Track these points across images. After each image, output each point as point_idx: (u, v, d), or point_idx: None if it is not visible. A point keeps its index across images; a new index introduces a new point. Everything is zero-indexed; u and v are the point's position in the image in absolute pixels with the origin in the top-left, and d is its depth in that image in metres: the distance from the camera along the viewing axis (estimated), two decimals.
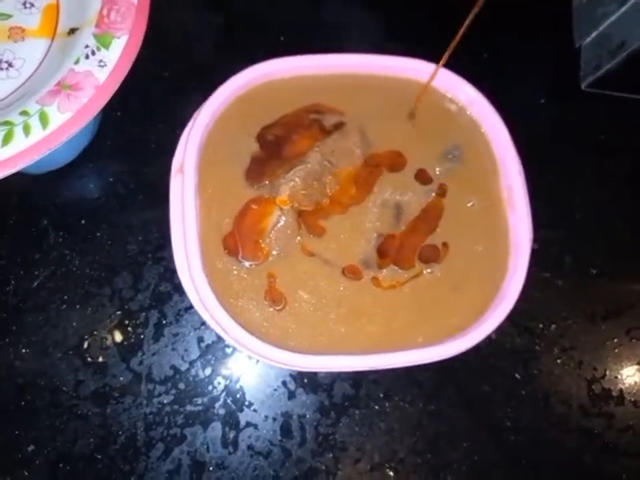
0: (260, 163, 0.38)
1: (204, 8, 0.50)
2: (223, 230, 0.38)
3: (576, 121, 0.52)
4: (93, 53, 0.36)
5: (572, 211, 0.50)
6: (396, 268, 0.39)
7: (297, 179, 0.38)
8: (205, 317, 0.37)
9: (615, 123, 0.52)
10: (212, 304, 0.35)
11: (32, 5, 0.41)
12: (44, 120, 0.34)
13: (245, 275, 0.38)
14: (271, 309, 0.37)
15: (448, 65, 0.46)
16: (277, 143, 0.39)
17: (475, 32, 0.50)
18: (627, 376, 0.48)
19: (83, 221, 0.45)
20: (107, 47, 0.36)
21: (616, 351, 0.48)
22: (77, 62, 0.36)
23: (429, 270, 0.39)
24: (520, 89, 0.52)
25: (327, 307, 0.38)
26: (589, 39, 0.50)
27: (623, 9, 0.46)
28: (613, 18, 0.47)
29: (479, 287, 0.39)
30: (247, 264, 0.38)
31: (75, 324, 0.44)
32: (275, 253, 0.38)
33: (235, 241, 0.37)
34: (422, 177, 0.41)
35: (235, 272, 0.38)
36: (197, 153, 0.37)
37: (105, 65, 0.36)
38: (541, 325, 0.47)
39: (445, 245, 0.40)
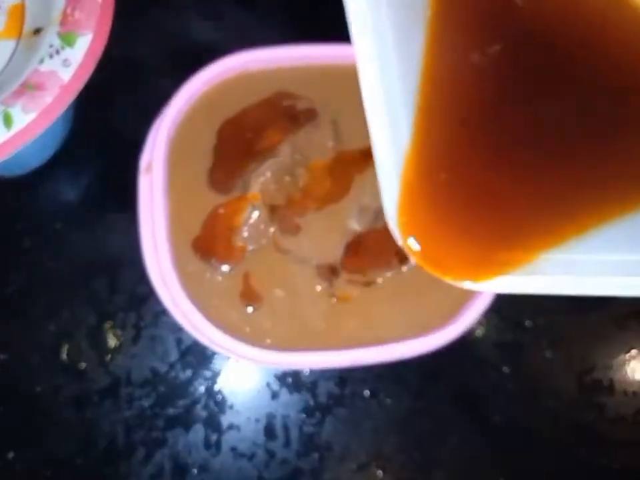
0: (224, 160, 0.38)
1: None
2: (193, 233, 0.38)
3: None
4: (57, 52, 0.36)
5: None
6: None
7: (267, 174, 0.37)
8: (179, 319, 0.36)
9: None
10: (185, 306, 0.35)
11: None
12: (7, 121, 0.34)
13: (219, 277, 0.37)
14: (247, 309, 0.37)
15: None
16: (243, 137, 0.38)
17: None
18: (617, 366, 0.47)
19: (58, 225, 0.45)
20: (71, 45, 0.36)
21: (604, 341, 0.48)
22: (41, 62, 0.35)
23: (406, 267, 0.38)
24: None
25: (304, 304, 0.37)
26: None
27: None
28: None
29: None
30: (220, 267, 0.37)
31: (51, 328, 0.43)
32: (249, 249, 0.38)
33: (206, 244, 0.37)
34: None
35: (208, 275, 0.37)
36: (165, 150, 0.37)
37: (69, 64, 0.35)
38: (527, 319, 0.47)
39: None
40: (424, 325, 0.38)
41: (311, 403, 0.44)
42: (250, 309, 0.37)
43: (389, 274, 0.38)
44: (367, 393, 0.44)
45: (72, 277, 0.44)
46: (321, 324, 0.37)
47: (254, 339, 0.36)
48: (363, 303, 0.38)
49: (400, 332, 0.37)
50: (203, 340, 0.36)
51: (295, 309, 0.37)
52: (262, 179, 0.37)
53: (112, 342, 0.43)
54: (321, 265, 0.38)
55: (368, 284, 0.38)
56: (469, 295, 0.38)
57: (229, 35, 0.48)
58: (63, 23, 0.37)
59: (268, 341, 0.36)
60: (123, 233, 0.44)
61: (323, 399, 0.44)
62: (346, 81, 0.39)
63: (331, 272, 0.38)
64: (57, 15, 0.37)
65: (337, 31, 0.47)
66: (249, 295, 0.37)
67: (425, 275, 0.38)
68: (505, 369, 0.46)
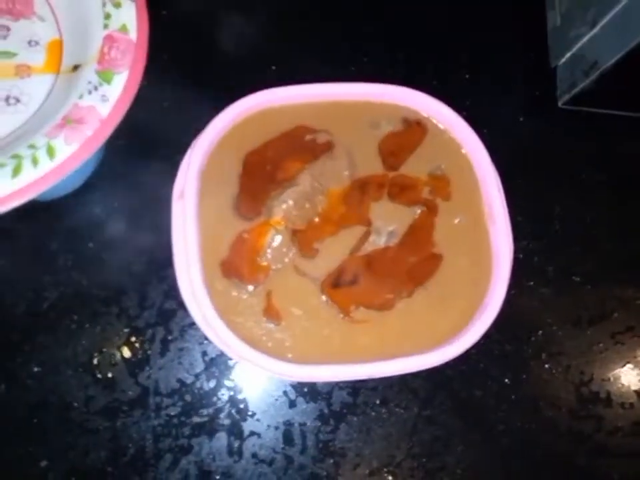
0: (249, 188, 0.40)
1: (209, 38, 0.53)
2: (222, 254, 0.40)
3: (553, 137, 0.54)
4: (96, 88, 0.38)
5: (553, 222, 0.52)
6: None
7: (289, 201, 0.40)
8: (208, 333, 0.39)
9: (590, 138, 0.55)
10: (214, 321, 0.37)
11: (37, 42, 0.43)
12: (51, 152, 0.36)
13: (245, 296, 0.40)
14: (269, 325, 0.39)
15: (431, 87, 0.48)
16: (266, 168, 0.41)
17: (457, 54, 0.54)
18: (614, 379, 0.49)
19: (91, 244, 0.47)
20: (109, 82, 0.38)
21: (602, 355, 0.50)
22: (80, 97, 0.38)
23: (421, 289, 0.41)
24: (500, 108, 0.54)
25: (320, 322, 0.40)
26: (563, 60, 0.53)
27: (594, 31, 0.48)
28: (584, 39, 0.49)
29: (465, 297, 0.41)
30: (246, 287, 0.40)
31: (84, 342, 0.45)
32: (272, 271, 0.40)
33: (233, 266, 0.39)
34: (410, 197, 0.43)
35: (235, 293, 0.40)
36: (196, 179, 0.39)
37: (107, 100, 0.38)
38: (528, 332, 0.49)
39: (437, 256, 0.42)
40: (433, 340, 0.40)
41: (326, 411, 0.46)
42: (272, 325, 0.39)
43: (403, 294, 0.40)
44: (378, 402, 0.46)
45: (103, 293, 0.46)
46: (337, 341, 0.39)
47: (276, 353, 0.38)
48: (376, 321, 0.40)
49: (411, 347, 0.40)
50: (231, 353, 0.39)
51: (311, 327, 0.39)
52: (284, 205, 0.40)
53: (141, 354, 0.45)
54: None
55: (381, 309, 0.40)
56: (475, 312, 0.41)
57: None
58: (100, 61, 0.39)
59: (289, 355, 0.39)
60: (152, 252, 0.47)
61: (337, 407, 0.46)
62: (359, 114, 0.44)
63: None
64: (94, 53, 0.40)
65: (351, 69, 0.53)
66: (271, 313, 0.39)
67: (434, 294, 0.41)
68: (507, 381, 0.48)
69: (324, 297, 0.40)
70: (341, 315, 0.40)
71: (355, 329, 0.40)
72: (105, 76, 0.39)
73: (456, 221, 0.43)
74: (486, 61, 0.56)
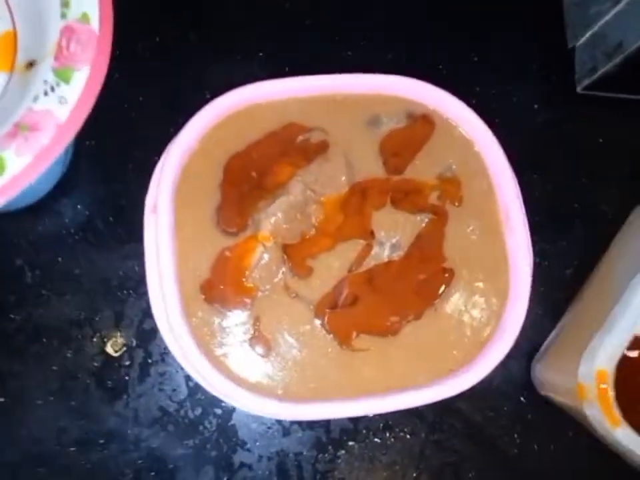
0: (232, 198, 0.36)
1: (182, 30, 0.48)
2: (202, 276, 0.36)
3: (572, 125, 0.50)
4: (52, 88, 0.33)
5: (572, 220, 0.48)
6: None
7: (278, 214, 0.36)
8: (187, 367, 0.35)
9: (613, 125, 0.50)
10: (193, 355, 0.34)
11: None
12: (0, 166, 0.32)
13: (228, 323, 0.36)
14: (256, 356, 0.36)
15: (436, 72, 0.44)
16: (251, 174, 0.37)
17: (465, 34, 0.49)
18: None
19: (60, 259, 0.43)
20: (67, 81, 0.33)
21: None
22: (35, 99, 0.33)
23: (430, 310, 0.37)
24: (511, 95, 0.49)
25: (315, 352, 0.36)
26: (582, 40, 0.47)
27: (618, 7, 0.43)
28: (607, 17, 0.44)
29: (480, 317, 0.38)
30: (230, 312, 0.36)
31: (54, 367, 0.42)
32: (260, 294, 0.36)
33: (215, 290, 0.36)
34: (417, 203, 0.39)
35: (217, 320, 0.36)
36: (170, 191, 0.35)
37: (66, 102, 0.33)
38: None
39: (447, 271, 0.38)
40: (445, 368, 0.37)
41: (324, 439, 0.43)
42: (259, 357, 0.36)
43: (410, 316, 0.37)
44: (381, 427, 0.43)
45: (75, 313, 0.42)
46: (335, 373, 0.36)
47: (264, 389, 0.35)
48: (380, 349, 0.36)
49: (421, 377, 0.36)
50: (212, 391, 0.35)
51: (305, 357, 0.36)
52: (273, 219, 0.36)
53: (118, 380, 0.42)
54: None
55: (386, 334, 0.36)
56: (491, 336, 0.37)
57: None
58: (57, 56, 0.34)
59: (279, 391, 0.35)
60: (129, 266, 0.43)
61: (336, 434, 0.43)
62: (356, 109, 0.39)
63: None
64: (51, 47, 0.35)
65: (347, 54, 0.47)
66: (259, 341, 0.36)
67: (444, 315, 0.37)
68: (522, 399, 0.45)
69: (319, 322, 0.36)
70: (339, 343, 0.36)
71: (356, 359, 0.36)
72: (63, 74, 0.34)
73: (469, 230, 0.39)
74: (496, 40, 0.51)
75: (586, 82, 0.48)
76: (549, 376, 0.42)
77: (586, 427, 0.38)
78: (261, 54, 0.48)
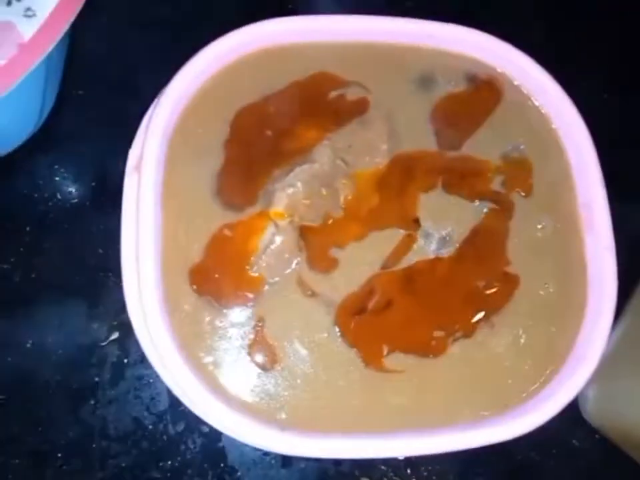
0: (239, 163, 0.31)
1: None
2: (192, 258, 0.31)
3: None
4: None
5: None
6: None
7: (298, 184, 0.31)
8: (162, 373, 0.29)
9: None
10: (171, 359, 0.28)
11: None
12: None
13: (223, 323, 0.30)
14: (256, 369, 0.30)
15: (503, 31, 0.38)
16: (266, 133, 0.32)
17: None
18: None
19: (28, 228, 0.39)
20: None
21: None
22: None
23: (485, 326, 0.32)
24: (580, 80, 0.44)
25: (333, 369, 0.31)
26: None
27: None
28: None
29: (547, 340, 0.33)
30: (226, 309, 0.30)
31: (9, 359, 0.37)
32: (267, 287, 0.31)
33: (209, 277, 0.30)
34: (475, 189, 0.34)
35: (208, 318, 0.30)
36: (159, 145, 0.30)
37: (33, 15, 0.28)
38: None
39: (510, 278, 0.33)
40: (498, 402, 0.31)
41: (332, 472, 0.37)
42: (260, 370, 0.31)
43: (459, 332, 0.31)
44: (402, 464, 0.37)
45: (42, 295, 0.38)
46: (356, 399, 0.30)
47: (264, 413, 0.29)
48: (417, 372, 0.31)
49: (464, 410, 0.31)
50: (194, 410, 0.29)
51: (320, 374, 0.31)
52: (291, 190, 0.31)
53: (85, 382, 0.37)
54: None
55: (425, 354, 0.31)
56: (561, 363, 0.32)
57: None
58: None
59: (283, 416, 0.29)
60: (111, 242, 0.37)
61: (346, 468, 0.37)
62: (405, 65, 0.35)
63: None
64: None
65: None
66: (261, 350, 0.31)
67: (502, 333, 0.31)
68: (575, 442, 0.39)
69: (339, 331, 0.31)
70: (364, 360, 0.31)
71: (385, 382, 0.31)
72: None
73: (539, 227, 0.34)
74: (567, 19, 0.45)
75: None
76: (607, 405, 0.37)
77: None
78: None
